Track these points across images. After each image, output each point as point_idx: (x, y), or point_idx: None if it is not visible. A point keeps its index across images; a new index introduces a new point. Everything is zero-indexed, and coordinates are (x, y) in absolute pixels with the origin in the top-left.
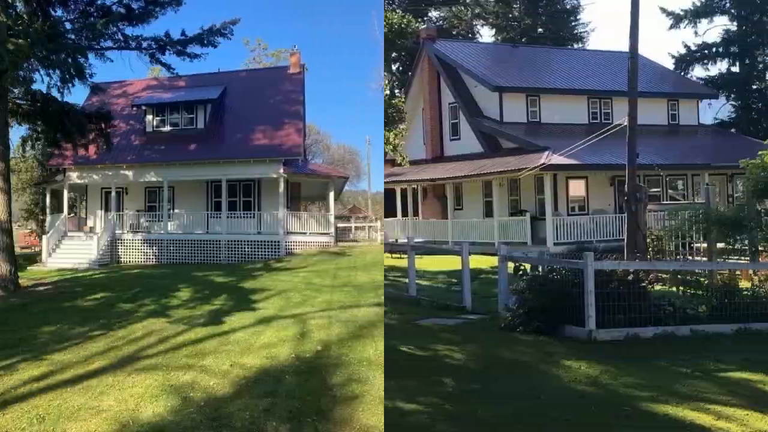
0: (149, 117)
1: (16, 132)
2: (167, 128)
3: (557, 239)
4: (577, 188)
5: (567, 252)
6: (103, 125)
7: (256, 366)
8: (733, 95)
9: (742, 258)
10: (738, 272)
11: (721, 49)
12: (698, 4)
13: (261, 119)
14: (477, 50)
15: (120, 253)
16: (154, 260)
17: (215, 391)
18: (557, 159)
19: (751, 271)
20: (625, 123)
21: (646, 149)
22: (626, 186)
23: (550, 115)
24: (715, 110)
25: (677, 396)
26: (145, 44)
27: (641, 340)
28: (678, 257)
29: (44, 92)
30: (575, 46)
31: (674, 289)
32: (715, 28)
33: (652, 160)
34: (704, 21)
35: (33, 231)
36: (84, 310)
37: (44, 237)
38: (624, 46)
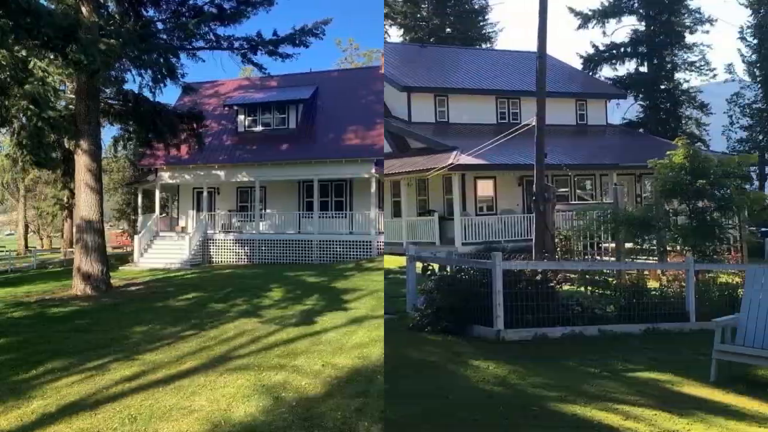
0: (241, 117)
1: (108, 132)
2: (259, 128)
3: (465, 239)
4: (485, 188)
5: (475, 252)
6: (194, 125)
7: (348, 366)
8: (641, 95)
9: (651, 258)
10: (646, 272)
11: (629, 49)
12: (606, 4)
13: (353, 119)
14: (385, 50)
15: (212, 253)
16: (245, 260)
17: (307, 391)
18: (465, 159)
19: (659, 271)
20: (534, 123)
21: (555, 149)
22: (534, 186)
23: (459, 115)
24: (624, 110)
25: (585, 396)
26: (236, 44)
27: (549, 340)
28: (586, 257)
29: (136, 92)
30: (483, 46)
31: (582, 289)
32: (623, 28)
33: (560, 160)
34: (612, 21)
35: (125, 231)
36: (176, 310)
37: (136, 237)
38: (532, 46)
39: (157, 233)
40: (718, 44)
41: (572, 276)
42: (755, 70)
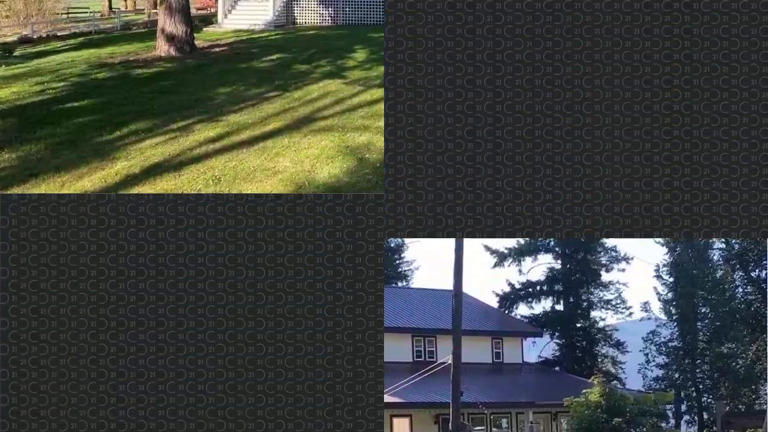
0: None
1: None
2: None
3: None
4: (401, 426)
5: None
6: None
7: None
8: (557, 333)
9: None
10: None
11: (545, 287)
12: (523, 242)
13: None
14: None
15: (296, 14)
16: (329, 21)
17: None
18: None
19: None
20: (450, 361)
21: (471, 387)
22: (450, 424)
23: None
24: (540, 348)
25: None
26: None
27: None
28: None
29: None
30: (399, 284)
31: None
32: (539, 266)
33: (476, 398)
34: (528, 259)
35: None
36: (259, 71)
37: None
38: (448, 283)
39: None
40: (634, 282)
41: None
42: (671, 308)
